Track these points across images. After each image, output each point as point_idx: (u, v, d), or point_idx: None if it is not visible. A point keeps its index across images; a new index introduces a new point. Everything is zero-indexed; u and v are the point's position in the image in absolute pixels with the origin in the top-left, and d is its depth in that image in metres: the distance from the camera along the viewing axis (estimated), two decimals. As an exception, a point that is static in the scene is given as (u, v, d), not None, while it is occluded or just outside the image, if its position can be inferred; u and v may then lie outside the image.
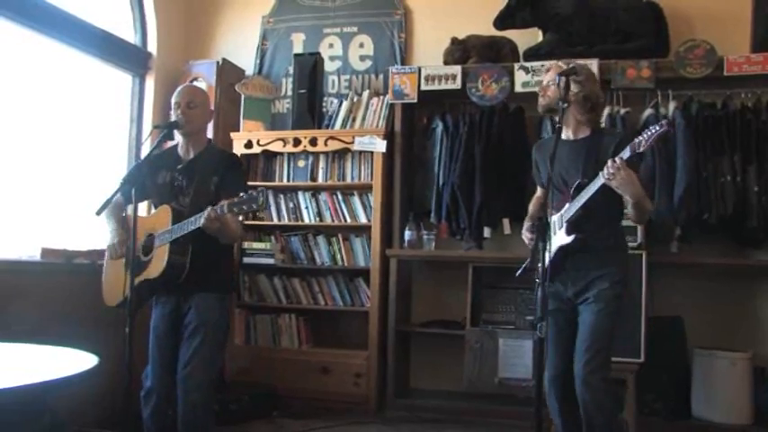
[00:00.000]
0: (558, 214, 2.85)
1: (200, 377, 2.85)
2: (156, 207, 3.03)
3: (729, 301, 4.28)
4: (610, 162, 2.57)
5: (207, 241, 2.78)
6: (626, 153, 2.56)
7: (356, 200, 4.70)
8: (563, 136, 2.90)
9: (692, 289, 4.29)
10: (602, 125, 3.34)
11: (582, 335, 2.78)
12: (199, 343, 2.86)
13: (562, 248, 2.82)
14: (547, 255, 2.85)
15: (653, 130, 2.48)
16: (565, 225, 2.80)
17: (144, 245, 2.94)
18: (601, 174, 2.61)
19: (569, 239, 2.78)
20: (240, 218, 2.89)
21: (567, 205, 2.80)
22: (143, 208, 3.53)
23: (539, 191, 3.20)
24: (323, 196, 4.77)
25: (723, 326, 4.24)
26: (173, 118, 3.04)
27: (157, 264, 2.85)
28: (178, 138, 3.08)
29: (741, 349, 4.04)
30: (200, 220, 2.68)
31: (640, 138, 2.51)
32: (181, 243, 2.81)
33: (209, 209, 2.66)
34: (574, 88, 2.80)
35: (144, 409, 2.94)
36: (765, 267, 4.18)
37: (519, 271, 2.94)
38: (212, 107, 3.25)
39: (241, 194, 2.62)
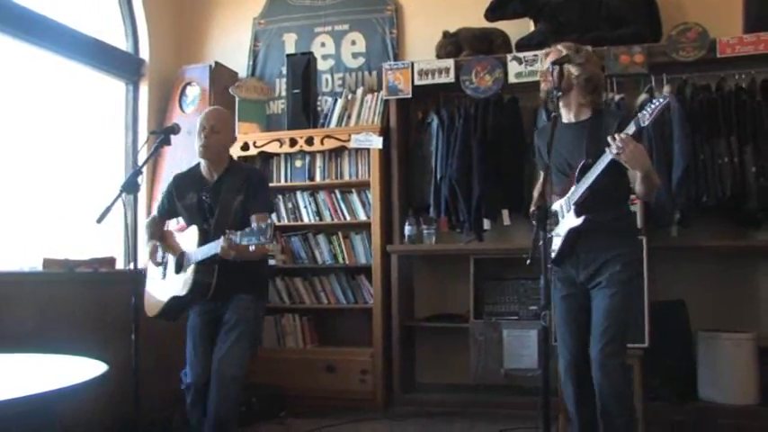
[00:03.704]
0: (565, 198, 2.83)
1: (235, 371, 2.98)
2: (188, 225, 3.18)
3: (731, 283, 4.29)
4: (616, 137, 2.55)
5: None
6: (630, 129, 2.55)
7: (355, 197, 4.70)
8: (564, 119, 2.90)
9: (694, 272, 4.29)
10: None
11: (597, 319, 2.76)
12: (236, 338, 3.00)
13: (572, 231, 2.79)
14: (557, 239, 2.86)
15: (656, 104, 2.49)
16: (573, 207, 2.77)
17: (177, 262, 3.11)
18: (608, 150, 2.58)
19: (579, 221, 2.75)
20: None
21: (574, 188, 2.78)
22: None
23: (542, 175, 3.17)
24: (321, 195, 4.77)
25: (726, 307, 4.25)
26: (197, 142, 3.13)
27: (186, 282, 3.01)
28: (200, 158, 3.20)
29: (745, 330, 4.04)
30: (217, 247, 2.82)
31: (644, 112, 2.52)
32: (207, 264, 2.95)
33: (221, 239, 2.77)
34: (575, 71, 2.80)
35: (187, 397, 3.12)
36: (765, 248, 4.19)
37: (528, 260, 2.90)
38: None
39: (253, 225, 2.77)
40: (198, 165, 3.25)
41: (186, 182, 3.22)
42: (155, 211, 3.32)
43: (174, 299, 3.07)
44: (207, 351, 3.08)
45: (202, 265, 2.95)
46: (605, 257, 2.77)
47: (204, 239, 2.98)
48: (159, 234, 3.26)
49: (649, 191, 2.73)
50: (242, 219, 3.04)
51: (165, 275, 3.20)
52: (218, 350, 3.02)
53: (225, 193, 3.09)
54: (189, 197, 3.17)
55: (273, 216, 3.39)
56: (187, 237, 3.12)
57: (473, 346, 4.32)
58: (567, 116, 2.91)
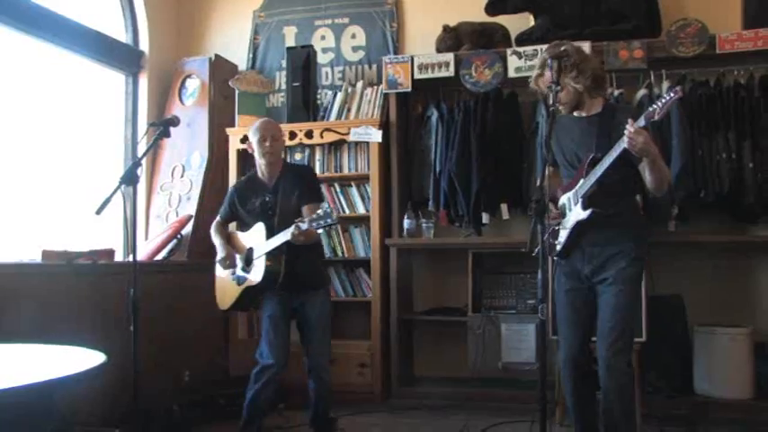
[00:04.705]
0: (573, 191, 2.82)
1: (327, 361, 3.54)
2: (250, 226, 3.52)
3: (728, 278, 4.31)
4: (631, 128, 2.54)
5: (299, 247, 3.25)
6: (641, 122, 2.55)
7: (354, 191, 4.71)
8: (575, 113, 2.89)
9: (691, 267, 4.30)
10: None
11: (604, 316, 2.75)
12: (322, 332, 3.47)
13: (579, 224, 2.78)
14: (563, 232, 2.86)
15: (667, 98, 2.48)
16: (581, 200, 2.76)
17: (245, 257, 3.48)
18: (621, 141, 2.57)
19: (586, 214, 2.73)
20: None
21: (582, 181, 2.77)
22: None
23: (549, 169, 3.13)
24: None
25: (722, 302, 4.27)
26: (257, 150, 3.48)
27: (258, 272, 3.38)
28: (259, 165, 3.56)
29: (741, 325, 4.06)
30: (287, 234, 3.18)
31: (654, 106, 2.51)
32: (275, 254, 3.32)
33: (293, 227, 3.13)
34: (578, 85, 2.79)
35: (254, 385, 3.45)
36: (763, 243, 4.20)
37: (532, 253, 2.85)
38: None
39: (318, 211, 3.13)
40: (255, 173, 3.61)
41: (247, 189, 3.60)
42: (218, 217, 3.71)
43: (249, 289, 3.44)
44: (285, 335, 3.46)
45: (272, 255, 3.32)
46: (611, 251, 2.76)
47: (270, 234, 3.34)
48: (225, 236, 3.66)
49: (659, 180, 2.70)
50: (300, 211, 3.42)
51: (234, 272, 3.56)
52: (309, 343, 3.47)
53: (283, 192, 3.47)
54: (251, 202, 3.54)
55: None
56: (253, 234, 3.48)
57: (471, 339, 4.34)
58: (577, 111, 2.90)
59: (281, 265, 3.34)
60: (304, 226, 3.12)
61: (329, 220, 3.09)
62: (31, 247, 3.79)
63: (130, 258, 3.04)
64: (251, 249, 3.47)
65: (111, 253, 4.01)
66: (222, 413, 4.10)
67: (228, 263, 3.55)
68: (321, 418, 3.57)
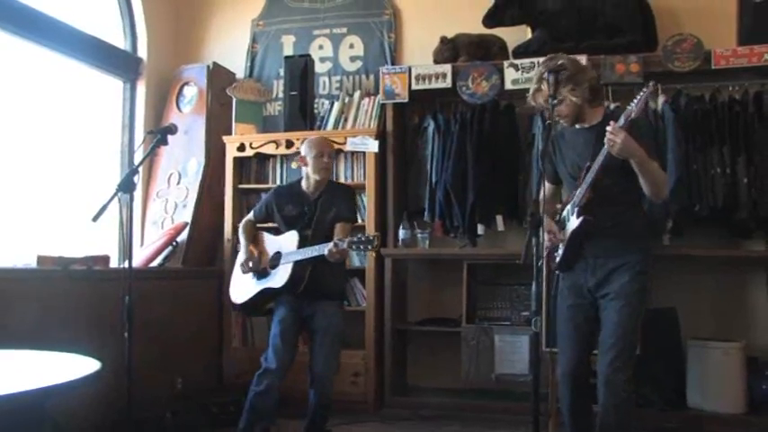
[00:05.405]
0: (571, 202, 2.82)
1: (333, 370, 3.54)
2: (282, 232, 3.64)
3: (722, 292, 4.32)
4: (608, 128, 2.57)
5: (325, 260, 3.34)
6: (620, 122, 2.58)
7: (350, 200, 4.71)
8: (576, 125, 2.90)
9: (685, 280, 4.31)
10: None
11: (605, 332, 2.73)
12: (330, 342, 3.50)
13: (574, 234, 2.77)
14: (562, 245, 2.86)
15: (640, 96, 2.57)
16: (575, 210, 2.76)
17: (272, 259, 3.58)
18: (604, 147, 2.60)
19: (577, 222, 2.73)
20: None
21: (578, 190, 2.76)
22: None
23: (550, 187, 3.06)
24: (317, 197, 4.78)
25: (716, 316, 4.28)
26: (312, 165, 3.58)
27: (282, 276, 3.48)
28: (307, 177, 3.66)
29: (734, 339, 4.07)
30: (324, 251, 3.30)
31: (631, 105, 2.57)
32: (303, 264, 3.43)
33: (331, 244, 3.27)
34: (577, 99, 2.79)
35: (255, 387, 3.48)
36: (756, 258, 4.22)
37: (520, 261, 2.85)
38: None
39: (360, 236, 3.25)
40: (299, 181, 3.71)
41: (287, 196, 3.70)
42: (250, 215, 3.82)
43: (267, 290, 3.55)
44: (292, 343, 3.52)
45: (299, 264, 3.41)
46: (614, 264, 2.75)
47: (302, 244, 3.47)
48: (252, 236, 3.75)
49: (653, 184, 2.70)
50: (333, 226, 3.55)
51: (256, 273, 3.65)
52: (317, 353, 3.49)
53: (322, 207, 3.58)
54: (288, 209, 3.65)
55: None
56: (284, 239, 3.59)
57: (465, 350, 4.33)
58: (580, 123, 2.91)
59: (306, 275, 3.43)
60: (343, 245, 3.24)
61: (370, 246, 3.23)
62: (26, 253, 3.78)
63: (126, 265, 3.04)
64: (278, 253, 3.56)
65: (106, 259, 4.01)
66: (215, 421, 4.09)
67: (247, 268, 3.64)
68: (317, 430, 3.58)
